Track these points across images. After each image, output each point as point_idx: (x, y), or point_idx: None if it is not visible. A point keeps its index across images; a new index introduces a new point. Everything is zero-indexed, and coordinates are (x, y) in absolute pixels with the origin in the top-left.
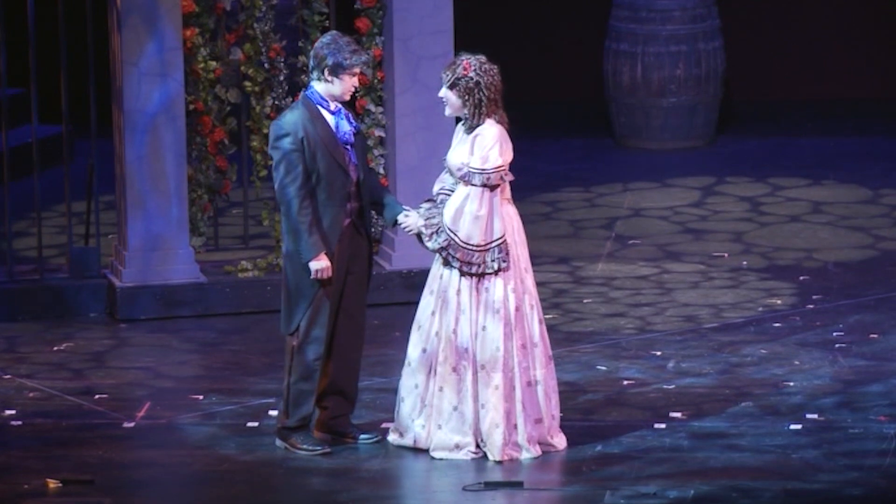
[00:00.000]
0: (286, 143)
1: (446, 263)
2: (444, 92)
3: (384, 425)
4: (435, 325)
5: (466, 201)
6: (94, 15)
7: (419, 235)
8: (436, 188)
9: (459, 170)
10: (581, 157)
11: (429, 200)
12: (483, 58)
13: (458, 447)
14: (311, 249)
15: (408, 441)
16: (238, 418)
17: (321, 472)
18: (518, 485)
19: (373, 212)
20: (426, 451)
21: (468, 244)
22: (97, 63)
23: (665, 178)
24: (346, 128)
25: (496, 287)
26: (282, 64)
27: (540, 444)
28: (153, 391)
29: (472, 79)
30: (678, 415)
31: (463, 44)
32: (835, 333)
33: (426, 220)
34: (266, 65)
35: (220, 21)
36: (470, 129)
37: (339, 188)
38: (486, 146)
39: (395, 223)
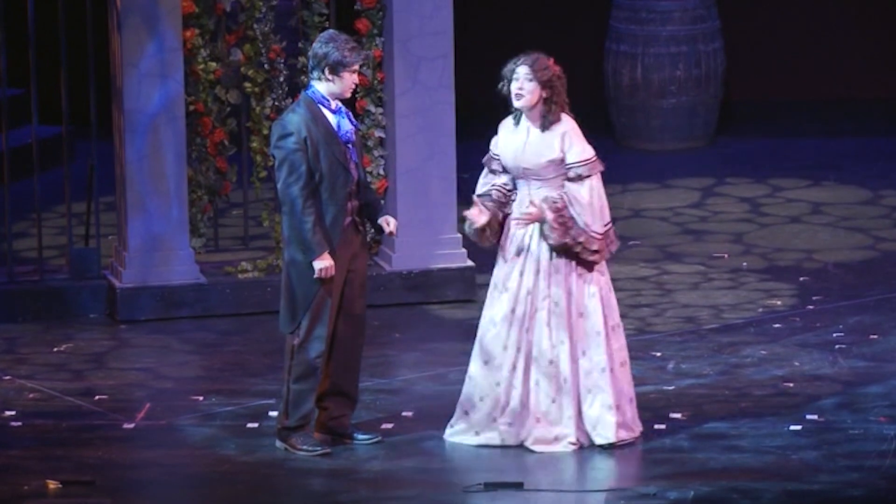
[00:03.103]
0: (289, 142)
1: (568, 256)
2: (529, 86)
3: (384, 426)
4: (516, 324)
5: (593, 195)
6: (94, 16)
7: (540, 224)
8: (484, 188)
9: (546, 167)
10: None
11: (481, 197)
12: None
13: (557, 439)
14: (315, 248)
15: (487, 440)
16: (238, 419)
17: (321, 473)
18: (518, 486)
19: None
20: (504, 447)
21: (601, 234)
22: (97, 64)
23: (665, 179)
24: (347, 126)
25: (592, 272)
26: (282, 65)
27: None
28: (153, 392)
29: (559, 77)
30: (678, 416)
31: (463, 45)
32: (835, 334)
33: (555, 213)
34: (266, 66)
35: (220, 22)
36: (544, 127)
37: (341, 187)
38: (578, 138)
39: (463, 221)
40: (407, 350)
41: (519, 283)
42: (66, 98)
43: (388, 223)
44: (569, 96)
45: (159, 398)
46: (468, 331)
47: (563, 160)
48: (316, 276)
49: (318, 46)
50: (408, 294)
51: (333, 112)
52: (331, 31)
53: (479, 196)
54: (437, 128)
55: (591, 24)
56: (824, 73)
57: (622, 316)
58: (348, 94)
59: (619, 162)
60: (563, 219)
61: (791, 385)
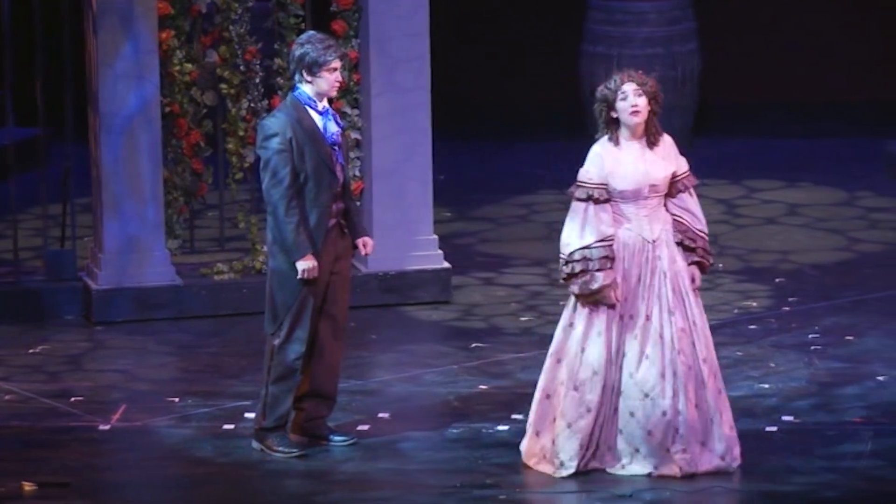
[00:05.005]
0: (274, 143)
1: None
2: (642, 101)
3: (359, 428)
4: (668, 346)
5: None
6: (70, 17)
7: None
8: (595, 240)
9: (667, 181)
10: (557, 160)
11: (601, 254)
12: None
13: (722, 459)
14: (299, 249)
15: (668, 471)
16: (214, 421)
17: (297, 475)
18: (493, 487)
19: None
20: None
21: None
22: (73, 66)
23: None
24: (333, 129)
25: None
26: (257, 66)
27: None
28: (129, 394)
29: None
30: None
31: (440, 47)
32: (810, 335)
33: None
34: (242, 67)
35: (196, 23)
36: (651, 141)
37: (327, 188)
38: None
39: None
40: (383, 351)
41: (652, 309)
42: (41, 100)
43: (366, 245)
44: (544, 99)
45: (135, 400)
46: (444, 332)
47: (675, 172)
48: (299, 276)
49: (295, 48)
50: (384, 295)
51: (320, 113)
52: (309, 32)
53: (598, 254)
54: (413, 129)
55: (566, 25)
56: (800, 74)
57: None
58: (334, 93)
59: None
60: (704, 251)
61: (767, 386)
